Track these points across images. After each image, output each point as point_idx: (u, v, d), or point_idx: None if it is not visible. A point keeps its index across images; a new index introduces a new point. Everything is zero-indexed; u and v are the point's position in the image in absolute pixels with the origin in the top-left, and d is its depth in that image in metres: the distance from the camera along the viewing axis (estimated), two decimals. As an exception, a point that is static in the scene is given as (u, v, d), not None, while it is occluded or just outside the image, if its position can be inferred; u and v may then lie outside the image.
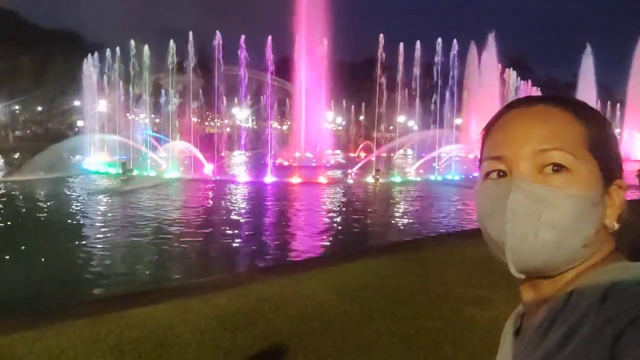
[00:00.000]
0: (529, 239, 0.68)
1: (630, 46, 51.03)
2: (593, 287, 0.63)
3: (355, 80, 50.48)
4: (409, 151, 36.15)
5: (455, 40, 33.01)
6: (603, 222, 0.71)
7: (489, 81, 39.10)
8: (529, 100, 0.76)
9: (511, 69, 42.97)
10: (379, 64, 30.98)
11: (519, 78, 44.75)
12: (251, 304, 5.34)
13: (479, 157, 0.80)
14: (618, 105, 53.56)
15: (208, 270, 8.07)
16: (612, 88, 63.69)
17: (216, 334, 4.54)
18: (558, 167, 0.69)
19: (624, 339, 0.54)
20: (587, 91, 52.24)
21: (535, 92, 49.26)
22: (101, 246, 9.87)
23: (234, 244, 10.42)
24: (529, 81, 48.44)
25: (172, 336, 4.47)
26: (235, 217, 13.86)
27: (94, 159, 30.55)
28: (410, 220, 14.06)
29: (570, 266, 0.70)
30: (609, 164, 0.72)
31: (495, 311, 5.02)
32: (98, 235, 10.84)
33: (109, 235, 10.92)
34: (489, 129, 0.79)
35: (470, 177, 28.87)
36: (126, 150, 29.82)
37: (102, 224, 12.27)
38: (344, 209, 16.21)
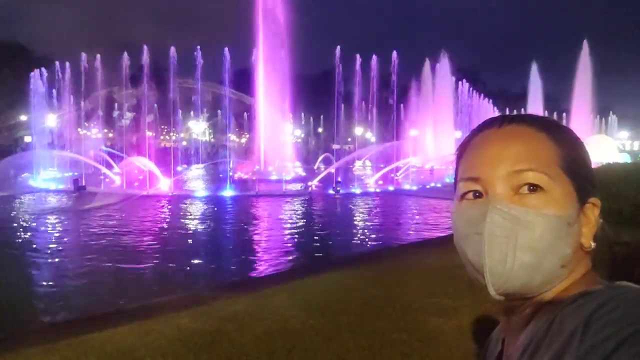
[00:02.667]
0: (508, 261, 0.67)
1: (573, 58, 53.87)
2: (575, 313, 0.62)
3: (314, 92, 50.84)
4: (368, 163, 36.55)
5: (409, 53, 33.80)
6: (579, 241, 0.71)
7: (442, 93, 40.20)
8: (502, 120, 0.76)
9: (464, 80, 44.37)
10: (336, 77, 31.33)
11: (471, 89, 46.22)
12: (214, 323, 5.17)
13: (454, 175, 0.80)
14: (564, 114, 56.21)
15: (168, 289, 7.79)
16: (558, 98, 66.89)
17: (179, 356, 4.36)
18: (533, 187, 0.69)
19: None
20: (535, 101, 54.75)
21: (487, 103, 51.12)
22: (53, 269, 9.39)
23: (195, 262, 10.14)
24: (481, 93, 50.08)
25: (132, 361, 4.26)
26: (195, 234, 13.54)
27: (42, 176, 29.27)
28: (372, 231, 14.13)
29: (549, 287, 0.70)
30: (583, 183, 0.72)
31: (461, 320, 5.06)
32: (49, 258, 10.31)
33: (60, 256, 10.42)
34: (463, 149, 0.79)
35: (428, 187, 29.48)
36: (78, 167, 28.74)
37: (53, 245, 11.69)
38: (306, 221, 16.13)
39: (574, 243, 0.70)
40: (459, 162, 0.79)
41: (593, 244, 0.72)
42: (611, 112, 70.78)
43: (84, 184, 24.76)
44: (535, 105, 55.18)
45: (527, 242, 0.67)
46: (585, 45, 53.65)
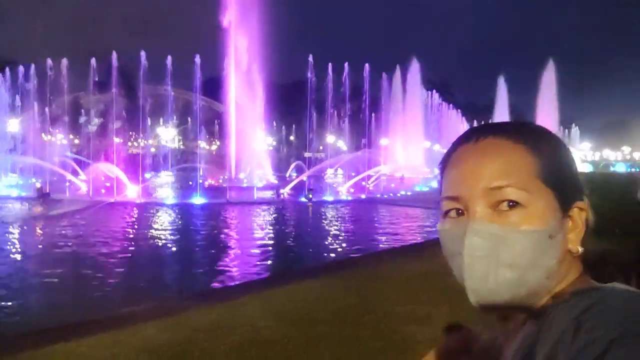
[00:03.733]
0: (490, 279, 0.68)
1: (538, 72, 55.69)
2: (566, 314, 0.62)
3: (286, 101, 50.86)
4: (340, 171, 36.73)
5: (381, 64, 34.30)
6: (566, 248, 0.71)
7: (412, 103, 40.83)
8: (479, 132, 0.75)
9: (434, 91, 45.20)
10: (308, 86, 31.45)
11: (441, 100, 47.12)
12: (184, 334, 5.03)
13: (439, 191, 0.79)
14: (529, 126, 57.81)
15: (136, 300, 7.55)
16: (524, 110, 68.91)
17: (148, 369, 4.21)
18: (512, 203, 0.69)
19: None
20: (501, 113, 56.26)
21: (456, 115, 52.20)
22: (13, 279, 9.00)
23: (164, 271, 9.91)
24: (451, 104, 51.12)
25: (98, 375, 4.09)
26: (164, 242, 13.24)
27: (4, 182, 28.23)
28: (345, 239, 14.12)
29: (536, 298, 0.70)
30: (566, 189, 0.72)
31: (435, 328, 5.04)
32: (9, 267, 9.89)
33: (22, 266, 10.02)
34: (445, 164, 0.78)
35: (398, 194, 29.78)
36: (42, 173, 27.82)
37: (13, 254, 11.24)
38: (278, 229, 16.02)
39: (559, 253, 0.70)
40: (442, 177, 0.79)
41: (581, 249, 0.72)
42: (574, 124, 73.36)
43: (48, 191, 23.99)
44: (501, 118, 56.63)
45: (508, 259, 0.67)
46: (550, 60, 55.62)
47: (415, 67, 41.49)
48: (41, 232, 14.51)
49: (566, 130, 67.23)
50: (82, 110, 37.40)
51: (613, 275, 0.71)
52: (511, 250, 0.67)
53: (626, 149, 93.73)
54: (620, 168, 57.70)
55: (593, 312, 0.59)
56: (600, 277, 0.72)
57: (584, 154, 77.13)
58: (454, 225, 0.72)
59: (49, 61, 30.54)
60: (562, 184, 0.71)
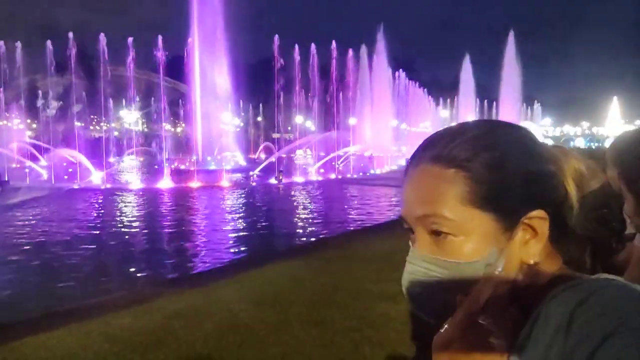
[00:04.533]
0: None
1: (502, 49, 56.54)
2: (558, 309, 0.61)
3: (253, 81, 50.14)
4: (309, 152, 36.70)
5: (347, 42, 34.08)
6: (521, 262, 0.68)
7: (379, 82, 40.90)
8: (419, 154, 0.72)
9: (400, 70, 45.36)
10: (275, 66, 31.05)
11: (407, 79, 47.36)
12: (159, 322, 4.98)
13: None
14: (493, 103, 59.01)
15: (105, 289, 7.42)
16: (488, 87, 70.15)
17: (122, 358, 4.16)
18: (442, 233, 0.67)
19: None
20: (466, 91, 57.07)
21: (422, 93, 52.64)
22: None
23: (133, 258, 9.71)
24: (416, 82, 51.47)
25: (71, 367, 4.01)
26: (131, 229, 12.98)
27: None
28: (317, 220, 14.19)
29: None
30: (509, 206, 0.67)
31: (407, 305, 5.16)
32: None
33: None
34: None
35: (367, 174, 30.01)
36: (-1, 160, 26.74)
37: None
38: (249, 212, 15.94)
39: (506, 270, 0.67)
40: None
41: (535, 260, 0.68)
42: (536, 101, 75.23)
43: (6, 178, 23.12)
44: (466, 95, 57.54)
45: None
46: (511, 38, 56.55)
47: (381, 45, 41.48)
48: (2, 221, 13.98)
49: (529, 107, 68.90)
50: (40, 94, 35.92)
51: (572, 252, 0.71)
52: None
53: (585, 124, 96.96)
54: (580, 143, 59.69)
55: (586, 306, 0.58)
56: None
57: (545, 130, 79.29)
58: (412, 240, 0.73)
59: (2, 43, 29.12)
60: (504, 203, 0.67)
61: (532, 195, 0.68)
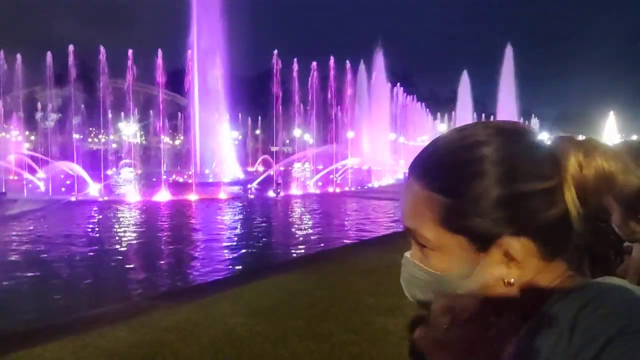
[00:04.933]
0: (425, 296, 0.74)
1: (499, 64, 57.00)
2: (562, 313, 0.62)
3: (251, 94, 50.36)
4: (307, 165, 36.73)
5: (345, 56, 34.33)
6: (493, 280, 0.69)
7: (377, 96, 41.10)
8: (411, 169, 0.75)
9: (398, 85, 45.61)
10: (274, 80, 31.20)
11: (405, 94, 47.61)
12: (155, 335, 4.94)
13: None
14: (491, 117, 59.27)
15: (101, 301, 7.36)
16: (486, 101, 70.57)
17: (118, 372, 4.11)
18: (423, 245, 0.71)
19: None
20: (464, 105, 57.39)
21: (420, 107, 52.91)
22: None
23: (131, 271, 9.67)
24: (414, 96, 51.72)
25: (66, 380, 3.97)
26: (128, 242, 12.92)
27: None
28: (315, 233, 14.15)
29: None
30: (480, 232, 0.66)
31: (406, 318, 5.09)
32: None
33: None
34: None
35: (365, 187, 30.01)
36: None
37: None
38: (247, 225, 15.89)
39: (480, 283, 0.69)
40: None
41: (511, 281, 0.67)
42: (533, 115, 75.57)
43: (3, 190, 23.07)
44: (464, 109, 57.82)
45: (431, 288, 0.72)
46: (509, 53, 57.03)
47: (379, 60, 41.76)
48: (-2, 233, 13.91)
49: (526, 122, 69.17)
50: (39, 106, 36.00)
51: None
52: (431, 284, 0.72)
53: (583, 138, 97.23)
54: (577, 157, 59.79)
55: (590, 309, 0.58)
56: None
57: (543, 144, 79.11)
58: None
59: (2, 54, 29.24)
60: (474, 229, 0.66)
61: (509, 219, 0.66)
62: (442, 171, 0.69)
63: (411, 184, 0.72)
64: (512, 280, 0.68)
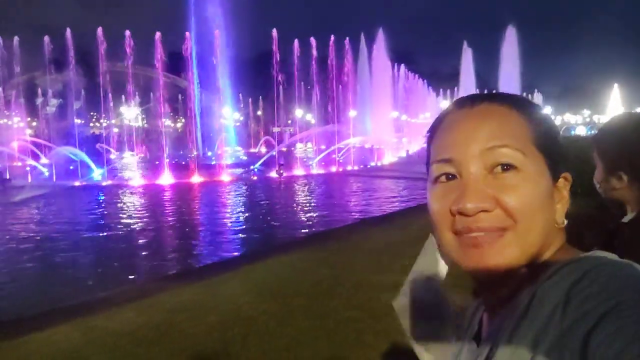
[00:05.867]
0: None
1: (501, 39, 56.29)
2: (554, 288, 0.61)
3: (252, 75, 50.06)
4: (309, 145, 36.67)
5: (345, 35, 33.91)
6: (553, 217, 0.70)
7: (379, 74, 40.76)
8: (472, 100, 0.74)
9: (400, 62, 45.20)
10: (274, 60, 30.94)
11: (407, 70, 47.21)
12: (163, 316, 5.02)
13: (426, 158, 0.77)
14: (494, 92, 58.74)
15: (108, 284, 7.46)
16: (487, 77, 69.89)
17: (127, 352, 4.19)
18: (507, 166, 0.67)
19: (593, 340, 0.52)
20: (467, 81, 56.84)
21: (422, 84, 52.49)
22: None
23: (137, 253, 9.78)
24: (416, 74, 51.31)
25: (78, 361, 4.06)
26: (134, 224, 13.03)
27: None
28: (318, 212, 14.22)
29: (524, 265, 0.68)
30: (554, 158, 0.71)
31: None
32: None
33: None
34: (434, 131, 0.76)
35: (368, 166, 29.99)
36: (0, 159, 26.78)
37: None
38: (250, 206, 15.98)
39: (550, 220, 0.69)
40: (430, 145, 0.76)
41: (565, 221, 0.71)
42: (536, 90, 74.98)
43: (7, 177, 23.17)
44: (467, 85, 57.35)
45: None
46: (512, 27, 56.29)
47: (380, 38, 41.31)
48: (2, 218, 14.04)
49: (529, 96, 68.59)
50: (39, 91, 35.92)
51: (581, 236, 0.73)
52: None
53: (586, 112, 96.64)
54: (581, 131, 59.50)
55: (582, 285, 0.58)
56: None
57: (546, 119, 78.69)
58: (446, 190, 0.70)
59: (0, 40, 29.04)
60: (552, 152, 0.71)
61: (565, 157, 0.73)
62: (529, 106, 0.73)
63: (490, 106, 0.72)
64: (564, 220, 0.71)
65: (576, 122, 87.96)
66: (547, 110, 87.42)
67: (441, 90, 60.65)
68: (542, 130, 0.71)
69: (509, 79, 56.05)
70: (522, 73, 57.60)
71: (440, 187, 0.71)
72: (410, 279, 0.83)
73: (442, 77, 70.75)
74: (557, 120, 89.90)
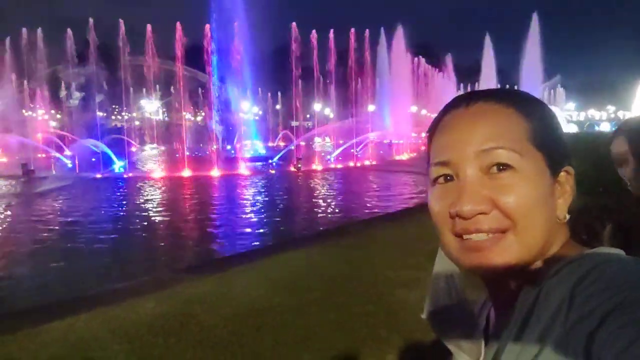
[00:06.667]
0: None
1: (524, 32, 55.34)
2: (559, 285, 0.61)
3: (270, 68, 50.10)
4: (327, 139, 36.64)
5: (365, 28, 33.69)
6: (555, 214, 0.70)
7: (398, 68, 40.42)
8: (468, 98, 0.74)
9: (420, 56, 44.73)
10: (292, 54, 30.94)
11: (427, 64, 46.71)
12: (181, 307, 5.12)
13: (427, 159, 0.77)
14: (515, 87, 57.86)
15: (130, 274, 7.61)
16: (509, 71, 68.75)
17: (146, 342, 4.29)
18: (504, 167, 0.67)
19: (598, 338, 0.53)
20: (488, 75, 56.04)
21: (442, 77, 51.92)
22: (6, 258, 9.00)
23: (156, 245, 9.96)
24: (438, 68, 50.72)
25: (98, 349, 4.17)
26: (154, 216, 13.24)
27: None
28: (335, 207, 14.26)
29: (528, 264, 0.69)
30: (555, 153, 0.71)
31: (424, 290, 5.17)
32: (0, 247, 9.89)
33: (11, 243, 9.99)
34: (432, 132, 0.77)
35: (387, 161, 29.85)
36: (25, 150, 27.41)
37: (3, 231, 11.19)
38: (268, 200, 16.09)
39: (552, 217, 0.69)
40: (429, 145, 0.77)
41: (567, 216, 0.71)
42: (559, 85, 73.48)
43: (32, 168, 23.72)
44: (488, 79, 56.54)
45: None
46: (535, 20, 55.30)
47: (399, 31, 40.95)
48: (27, 209, 14.39)
49: (551, 91, 67.46)
50: (62, 84, 36.56)
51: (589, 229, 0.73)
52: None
53: (611, 108, 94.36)
54: (605, 127, 58.25)
55: (588, 282, 0.58)
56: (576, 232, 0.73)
57: (569, 114, 77.57)
58: (444, 192, 0.71)
59: (24, 33, 29.59)
60: (551, 148, 0.70)
61: (566, 152, 0.73)
62: (526, 102, 0.73)
63: (485, 106, 0.71)
64: (565, 215, 0.71)
65: (600, 118, 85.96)
66: (570, 106, 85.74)
67: (462, 85, 59.91)
68: (541, 127, 0.71)
69: (531, 73, 55.16)
70: (545, 67, 56.55)
71: (438, 189, 0.72)
72: (431, 286, 0.84)
73: (463, 71, 69.69)
74: (581, 116, 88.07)
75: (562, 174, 0.72)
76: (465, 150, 0.69)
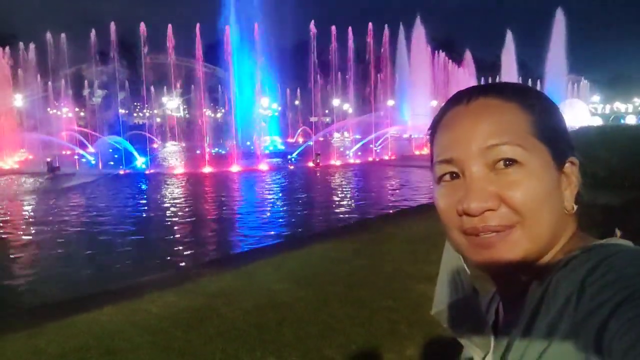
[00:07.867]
0: None
1: (547, 25, 54.26)
2: (568, 277, 0.61)
3: (289, 64, 50.17)
4: (346, 134, 36.58)
5: (385, 23, 33.46)
6: (562, 205, 0.69)
7: (418, 63, 40.09)
8: (469, 94, 0.73)
9: (440, 51, 44.27)
10: (311, 50, 30.93)
11: (447, 59, 46.20)
12: (202, 300, 5.17)
13: (430, 157, 0.77)
14: (538, 80, 56.86)
15: (151, 269, 7.73)
16: (532, 64, 67.50)
17: (168, 334, 4.36)
18: (509, 162, 0.67)
19: (608, 331, 0.52)
20: (509, 70, 55.18)
21: (462, 72, 51.30)
22: (32, 251, 9.22)
23: (178, 239, 10.07)
24: (458, 62, 50.09)
25: (122, 341, 4.24)
26: (176, 211, 13.40)
27: (13, 158, 28.50)
28: (354, 202, 14.24)
29: (537, 258, 0.68)
30: (558, 145, 0.70)
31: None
32: (28, 240, 10.13)
33: (39, 238, 10.22)
34: (434, 129, 0.76)
35: (406, 156, 29.67)
36: (50, 147, 28.04)
37: (31, 226, 11.46)
38: (287, 195, 16.14)
39: (559, 210, 0.69)
40: (432, 143, 0.76)
41: (575, 207, 0.71)
42: (583, 78, 71.90)
43: (57, 165, 24.24)
44: (509, 73, 55.63)
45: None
46: (559, 13, 54.08)
47: (419, 25, 40.56)
48: (54, 204, 14.72)
49: (575, 84, 66.07)
50: (86, 83, 37.24)
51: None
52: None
53: (637, 101, 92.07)
54: (631, 120, 56.79)
55: (597, 274, 0.57)
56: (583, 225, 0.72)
57: (594, 107, 75.94)
58: (450, 190, 0.70)
59: (49, 34, 30.20)
60: (555, 140, 0.70)
61: (569, 143, 0.73)
62: (528, 95, 0.72)
63: (487, 101, 0.71)
64: (573, 206, 0.70)
65: (626, 111, 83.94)
66: (595, 98, 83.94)
67: (482, 79, 59.09)
68: (543, 119, 0.70)
69: (555, 66, 54.13)
70: (569, 60, 55.35)
71: (445, 187, 0.72)
72: (439, 282, 0.83)
73: (484, 66, 68.71)
74: (606, 109, 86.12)
75: (567, 165, 0.71)
76: (470, 148, 0.68)
